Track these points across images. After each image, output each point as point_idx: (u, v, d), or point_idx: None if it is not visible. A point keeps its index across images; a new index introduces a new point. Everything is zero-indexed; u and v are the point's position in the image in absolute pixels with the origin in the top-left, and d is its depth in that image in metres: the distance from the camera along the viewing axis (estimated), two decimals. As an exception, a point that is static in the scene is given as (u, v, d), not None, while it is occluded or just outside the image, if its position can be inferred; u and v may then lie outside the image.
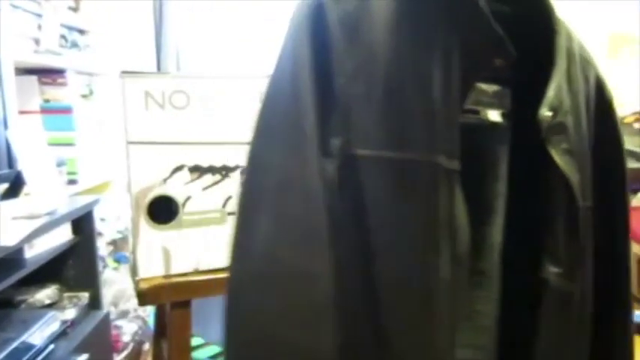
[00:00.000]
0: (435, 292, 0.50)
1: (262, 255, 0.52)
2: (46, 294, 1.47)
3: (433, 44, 0.51)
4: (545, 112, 0.55)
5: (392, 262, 0.51)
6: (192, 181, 0.87)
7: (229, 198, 0.89)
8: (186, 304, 0.89)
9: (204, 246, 0.88)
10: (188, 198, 0.87)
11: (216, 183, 0.88)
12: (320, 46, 0.51)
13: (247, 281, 0.54)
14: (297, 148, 0.51)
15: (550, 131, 0.55)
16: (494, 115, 0.58)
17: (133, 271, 0.89)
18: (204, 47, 2.70)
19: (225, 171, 0.88)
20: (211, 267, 0.89)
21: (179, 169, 0.86)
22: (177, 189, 0.86)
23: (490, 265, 0.58)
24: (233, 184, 0.89)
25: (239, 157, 0.89)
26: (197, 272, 0.88)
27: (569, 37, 0.60)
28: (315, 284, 0.50)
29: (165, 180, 0.85)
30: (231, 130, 0.88)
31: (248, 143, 0.54)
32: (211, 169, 0.87)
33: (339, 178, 0.50)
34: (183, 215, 0.87)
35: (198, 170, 0.87)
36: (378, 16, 0.52)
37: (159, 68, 2.49)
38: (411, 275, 0.51)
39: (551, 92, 0.55)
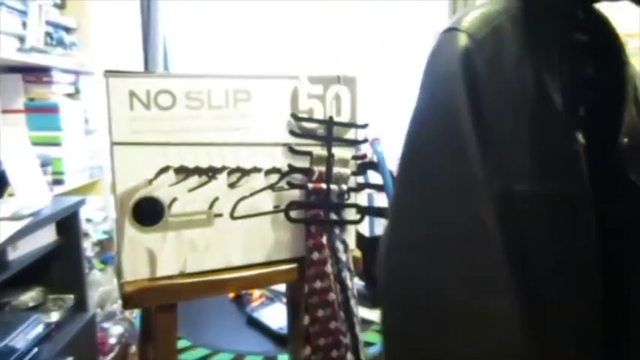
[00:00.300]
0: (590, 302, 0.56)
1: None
2: (30, 296, 1.45)
3: (552, 73, 0.55)
4: (624, 138, 0.58)
5: (554, 284, 0.55)
6: (178, 182, 0.85)
7: (216, 199, 0.88)
8: (172, 308, 0.87)
9: (190, 248, 0.87)
10: (174, 199, 0.86)
11: (202, 184, 0.87)
12: (473, 91, 0.53)
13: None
14: (469, 195, 0.54)
15: (627, 154, 0.58)
16: (580, 138, 0.60)
17: (118, 274, 0.87)
18: (193, 46, 2.68)
19: (211, 172, 0.87)
20: (198, 269, 0.88)
21: (165, 170, 0.84)
22: (162, 190, 0.85)
23: None
24: (219, 186, 0.88)
25: (225, 158, 0.88)
26: (183, 275, 0.87)
27: (633, 68, 0.64)
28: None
29: (150, 181, 0.84)
30: (218, 131, 0.87)
31: (396, 198, 0.58)
32: (197, 171, 0.86)
33: (501, 217, 0.53)
34: (169, 217, 0.85)
35: (184, 171, 0.85)
36: (509, 52, 0.55)
37: (146, 67, 2.47)
38: (573, 290, 0.56)
39: (626, 118, 0.58)
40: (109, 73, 0.80)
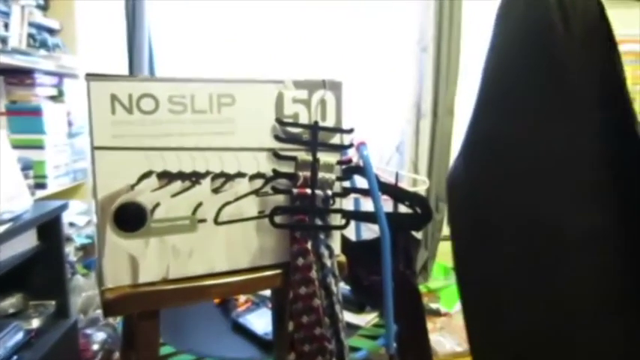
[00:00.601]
0: None
1: None
2: (10, 303, 1.42)
3: None
4: None
5: None
6: (160, 187, 0.84)
7: (199, 205, 0.87)
8: (154, 315, 0.86)
9: (173, 254, 0.86)
10: (157, 205, 0.84)
11: (185, 190, 0.86)
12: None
13: None
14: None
15: None
16: None
17: (99, 280, 0.86)
18: (180, 47, 2.66)
19: (195, 177, 0.86)
20: (181, 275, 0.87)
21: (147, 175, 0.83)
22: (145, 195, 0.83)
23: None
24: (203, 191, 0.87)
25: (209, 163, 0.87)
26: (166, 281, 0.86)
27: None
28: None
29: (132, 186, 0.83)
30: (202, 135, 0.86)
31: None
32: (181, 176, 0.85)
33: None
34: (152, 222, 0.84)
35: (167, 176, 0.84)
36: None
37: (131, 69, 2.44)
38: None
39: None
40: (90, 77, 0.79)
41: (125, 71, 2.48)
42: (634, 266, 0.53)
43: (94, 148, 0.80)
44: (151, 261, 0.85)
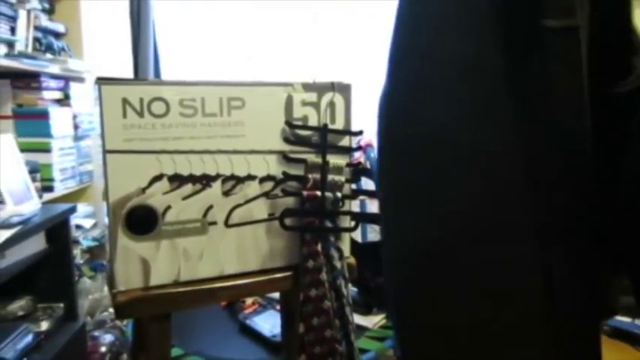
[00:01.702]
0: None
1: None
2: (19, 305, 1.43)
3: None
4: None
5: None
6: (171, 190, 0.84)
7: (210, 207, 0.87)
8: (165, 318, 0.86)
9: (184, 257, 0.86)
10: (167, 208, 0.85)
11: (196, 192, 0.86)
12: None
13: None
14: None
15: None
16: None
17: (110, 283, 0.86)
18: (184, 48, 2.67)
19: (205, 180, 0.86)
20: (191, 278, 0.87)
21: (158, 178, 0.84)
22: (156, 198, 0.84)
23: None
24: (214, 194, 0.87)
25: (220, 166, 0.87)
26: (177, 284, 0.86)
27: None
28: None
29: (143, 189, 0.83)
30: (212, 138, 0.86)
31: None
32: (191, 179, 0.85)
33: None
34: (163, 225, 0.85)
35: (177, 179, 0.85)
36: None
37: (136, 71, 2.45)
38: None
39: None
40: (102, 81, 0.79)
41: (130, 73, 2.49)
42: (526, 189, 0.54)
43: (105, 152, 0.80)
44: (163, 264, 0.85)
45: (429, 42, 0.57)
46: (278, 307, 2.03)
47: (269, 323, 1.98)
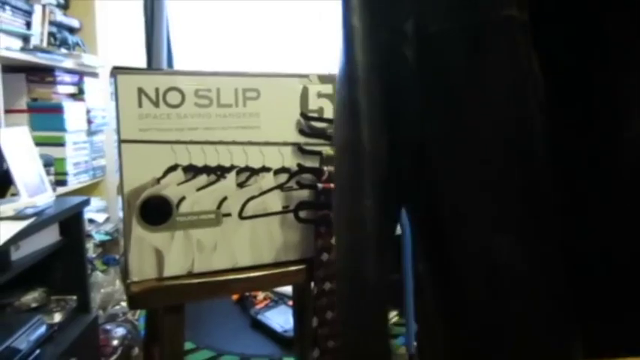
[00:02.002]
0: (531, 139, 0.50)
1: None
2: (32, 297, 1.43)
3: None
4: None
5: (485, 124, 0.50)
6: (186, 181, 0.84)
7: (224, 199, 0.87)
8: (179, 309, 0.86)
9: (198, 248, 0.86)
10: (182, 198, 0.84)
11: (211, 183, 0.86)
12: None
13: None
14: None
15: None
16: None
17: (124, 274, 0.86)
18: (197, 43, 2.68)
19: (220, 171, 0.86)
20: (205, 270, 0.87)
21: (173, 168, 0.83)
22: (170, 189, 0.83)
23: None
24: (228, 185, 0.87)
25: (234, 157, 0.86)
26: (191, 275, 0.86)
27: None
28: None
29: (158, 180, 0.83)
30: (227, 129, 0.85)
31: None
32: (206, 170, 0.85)
33: (418, 62, 0.51)
34: (177, 216, 0.84)
35: (192, 170, 0.84)
36: None
37: (149, 66, 2.46)
38: (504, 129, 0.50)
39: None
40: (118, 70, 0.79)
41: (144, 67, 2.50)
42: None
43: (120, 142, 0.80)
44: (176, 255, 0.85)
45: None
46: (290, 302, 2.03)
47: (280, 319, 1.97)
